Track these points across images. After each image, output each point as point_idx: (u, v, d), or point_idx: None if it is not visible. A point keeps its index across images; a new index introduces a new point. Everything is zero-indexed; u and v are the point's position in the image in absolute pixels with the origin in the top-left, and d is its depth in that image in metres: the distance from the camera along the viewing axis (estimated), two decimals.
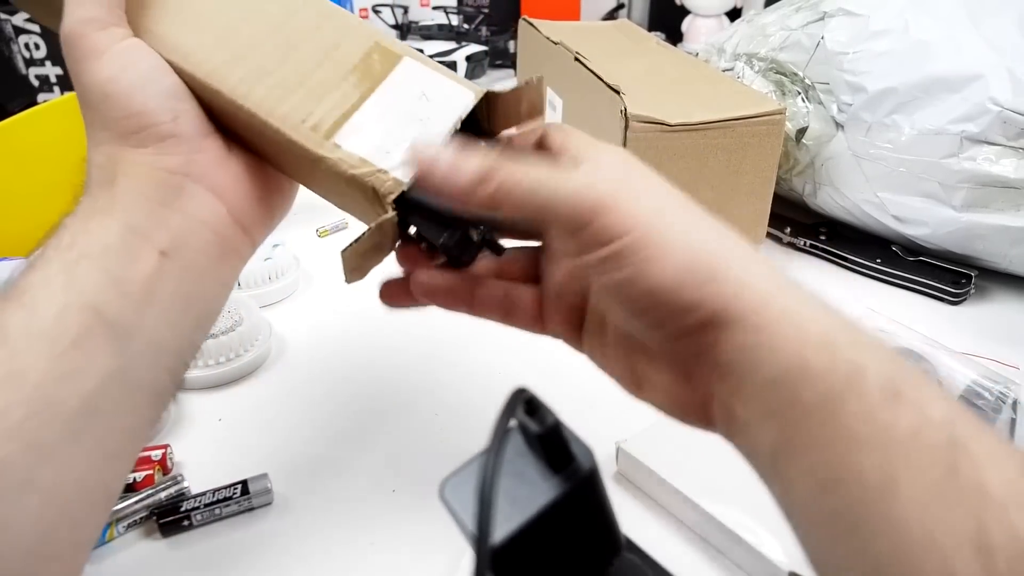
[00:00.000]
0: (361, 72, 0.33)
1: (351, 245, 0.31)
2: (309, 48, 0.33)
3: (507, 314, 0.34)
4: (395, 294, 0.35)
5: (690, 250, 0.25)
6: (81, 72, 0.31)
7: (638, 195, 0.26)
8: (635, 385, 0.31)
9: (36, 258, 0.28)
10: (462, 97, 0.33)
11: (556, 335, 0.34)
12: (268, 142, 0.32)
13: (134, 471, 0.42)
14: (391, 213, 0.30)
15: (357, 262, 0.32)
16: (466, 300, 0.34)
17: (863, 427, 0.22)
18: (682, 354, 0.28)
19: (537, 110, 0.34)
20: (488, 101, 0.33)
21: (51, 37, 1.01)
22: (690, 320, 0.26)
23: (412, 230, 0.32)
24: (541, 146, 0.32)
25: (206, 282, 0.31)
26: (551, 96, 0.79)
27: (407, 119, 0.32)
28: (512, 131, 0.34)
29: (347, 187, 0.31)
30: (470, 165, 0.28)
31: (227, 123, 0.33)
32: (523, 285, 0.34)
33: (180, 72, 0.32)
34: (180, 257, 0.30)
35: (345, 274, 0.32)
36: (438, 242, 0.31)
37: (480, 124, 0.34)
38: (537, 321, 0.34)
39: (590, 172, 0.27)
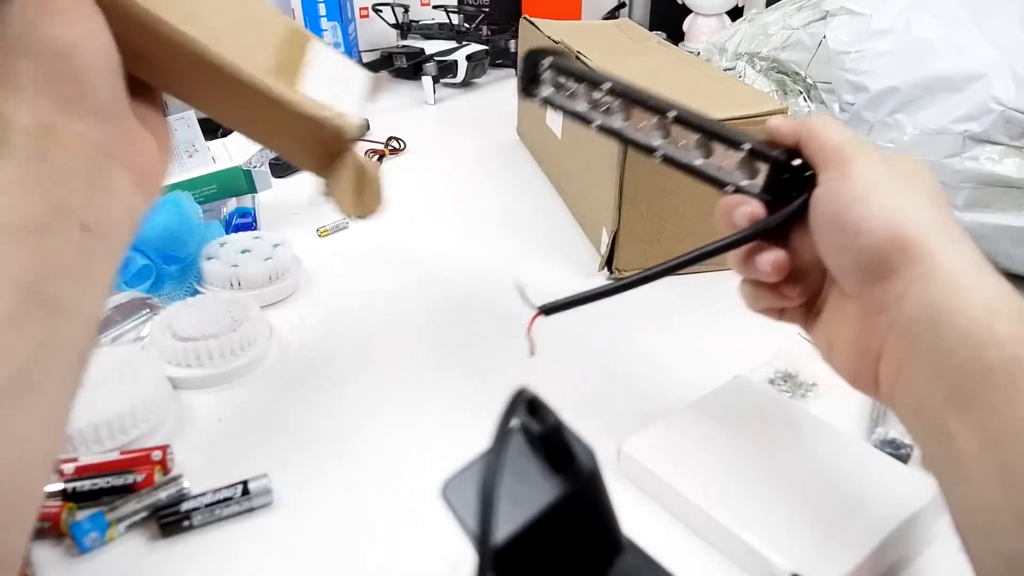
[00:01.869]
0: (292, 43, 0.40)
1: (337, 186, 0.40)
2: (251, 21, 0.39)
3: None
4: (758, 299, 0.40)
5: (902, 200, 0.31)
6: (38, 23, 0.29)
7: (885, 170, 0.33)
8: (827, 345, 0.36)
9: None
10: (360, 71, 0.43)
11: (793, 319, 0.39)
12: (220, 89, 0.36)
13: (134, 471, 0.42)
14: (352, 150, 0.39)
15: (353, 197, 0.41)
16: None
17: None
18: (871, 302, 0.32)
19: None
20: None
21: None
22: (888, 256, 0.31)
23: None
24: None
25: (118, 253, 0.32)
26: None
27: (334, 80, 0.40)
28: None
29: (304, 126, 0.38)
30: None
31: (171, 75, 0.36)
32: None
33: (148, 22, 0.33)
34: (108, 236, 0.30)
35: (352, 210, 0.41)
36: (771, 154, 0.37)
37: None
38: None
39: (871, 153, 0.34)
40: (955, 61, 0.59)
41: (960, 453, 0.27)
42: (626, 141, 0.44)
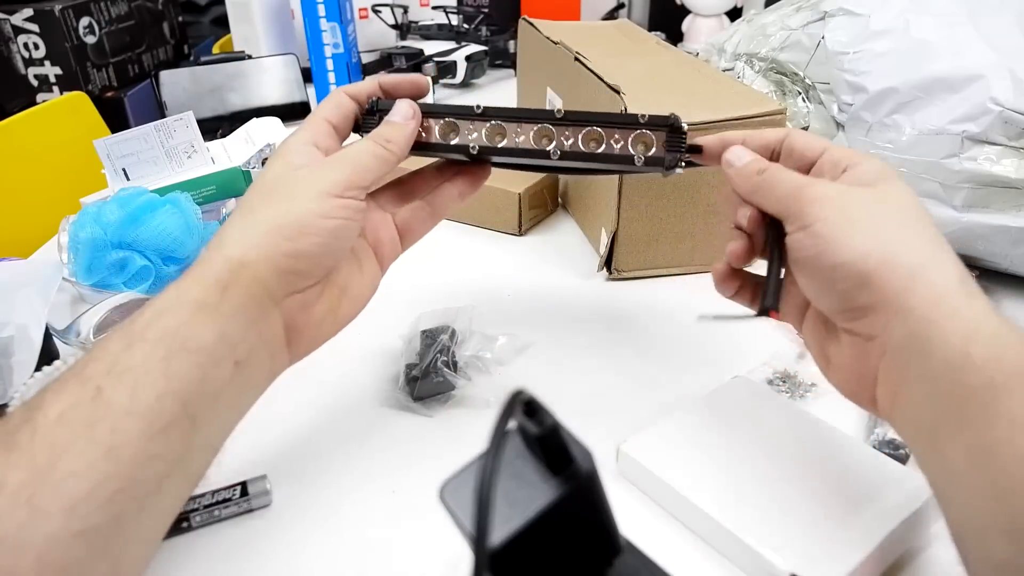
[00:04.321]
0: None
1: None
2: None
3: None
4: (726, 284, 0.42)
5: (869, 238, 0.31)
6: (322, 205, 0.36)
7: (846, 205, 0.33)
8: (825, 362, 0.37)
9: (136, 328, 0.31)
10: None
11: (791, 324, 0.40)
12: None
13: None
14: None
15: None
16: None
17: None
18: (859, 334, 0.33)
19: None
20: None
21: (50, 37, 1.00)
22: (865, 297, 0.31)
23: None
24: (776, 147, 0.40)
25: (251, 397, 0.35)
26: (551, 96, 0.79)
27: None
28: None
29: None
30: (749, 156, 0.39)
31: None
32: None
33: None
34: (247, 370, 0.33)
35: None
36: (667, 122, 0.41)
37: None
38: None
39: (827, 191, 0.34)
40: (953, 62, 0.59)
41: (952, 470, 0.29)
42: (515, 154, 0.42)
